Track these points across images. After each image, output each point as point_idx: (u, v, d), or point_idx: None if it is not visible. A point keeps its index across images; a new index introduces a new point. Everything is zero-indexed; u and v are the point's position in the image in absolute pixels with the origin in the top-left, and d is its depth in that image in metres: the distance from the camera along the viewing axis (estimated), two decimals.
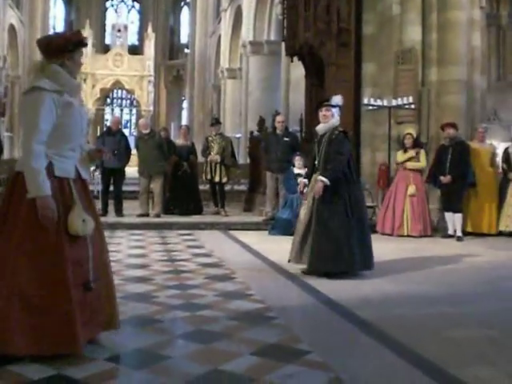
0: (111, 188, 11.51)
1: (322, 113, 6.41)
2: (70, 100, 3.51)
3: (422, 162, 9.96)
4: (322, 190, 6.11)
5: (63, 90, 3.49)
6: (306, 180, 6.66)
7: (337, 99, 6.52)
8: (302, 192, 6.65)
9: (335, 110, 6.42)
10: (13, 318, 3.25)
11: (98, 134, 20.15)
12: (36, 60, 3.59)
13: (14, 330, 3.24)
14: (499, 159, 10.60)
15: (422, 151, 10.13)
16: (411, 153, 10.00)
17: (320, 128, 6.47)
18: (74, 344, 3.32)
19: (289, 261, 6.48)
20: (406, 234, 9.80)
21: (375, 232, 10.14)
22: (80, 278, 3.43)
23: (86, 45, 3.71)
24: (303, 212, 6.40)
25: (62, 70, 3.53)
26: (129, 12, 47.71)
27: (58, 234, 3.40)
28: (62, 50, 3.53)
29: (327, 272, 6.06)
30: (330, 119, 6.37)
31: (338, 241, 6.07)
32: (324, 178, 6.13)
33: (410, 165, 9.94)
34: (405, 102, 10.80)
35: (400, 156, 10.10)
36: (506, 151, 10.38)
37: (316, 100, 12.63)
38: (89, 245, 3.50)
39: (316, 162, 6.44)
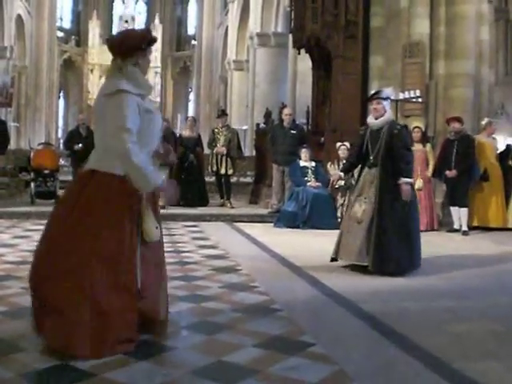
0: None
1: (373, 106, 6.26)
2: (149, 105, 3.52)
3: (432, 162, 9.94)
4: (385, 186, 6.04)
5: (144, 94, 3.49)
6: (341, 173, 6.58)
7: (388, 91, 6.44)
8: (332, 184, 6.47)
9: (386, 103, 6.28)
10: (81, 321, 3.24)
11: None
12: (111, 62, 3.55)
13: (80, 333, 3.23)
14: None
15: (429, 147, 10.11)
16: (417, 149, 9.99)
17: (376, 122, 6.25)
18: (129, 348, 3.35)
19: (332, 260, 6.31)
20: None
21: None
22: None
23: (155, 42, 3.68)
24: (360, 209, 6.17)
25: (138, 71, 3.51)
26: (136, 3, 47.54)
27: (132, 238, 3.39)
28: (136, 48, 3.48)
29: (396, 269, 5.92)
30: (381, 112, 6.20)
31: (403, 238, 6.03)
32: (408, 179, 6.03)
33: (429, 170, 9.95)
34: (412, 95, 10.78)
35: None
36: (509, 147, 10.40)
37: (323, 92, 12.66)
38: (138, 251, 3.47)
39: (371, 157, 6.22)
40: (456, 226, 9.60)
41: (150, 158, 3.55)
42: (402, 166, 6.05)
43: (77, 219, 3.36)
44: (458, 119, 9.78)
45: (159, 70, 42.27)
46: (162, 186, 3.47)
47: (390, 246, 5.96)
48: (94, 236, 3.33)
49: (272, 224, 9.97)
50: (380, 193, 6.06)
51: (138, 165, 3.32)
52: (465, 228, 9.43)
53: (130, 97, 3.38)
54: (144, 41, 3.53)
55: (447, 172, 9.56)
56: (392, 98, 6.39)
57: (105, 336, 3.28)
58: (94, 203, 3.37)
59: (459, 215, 9.55)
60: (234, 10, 30.68)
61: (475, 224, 9.93)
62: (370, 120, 6.36)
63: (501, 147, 10.98)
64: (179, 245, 7.61)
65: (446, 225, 9.95)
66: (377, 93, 6.45)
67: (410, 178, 6.09)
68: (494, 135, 10.49)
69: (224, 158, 11.91)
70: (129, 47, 3.47)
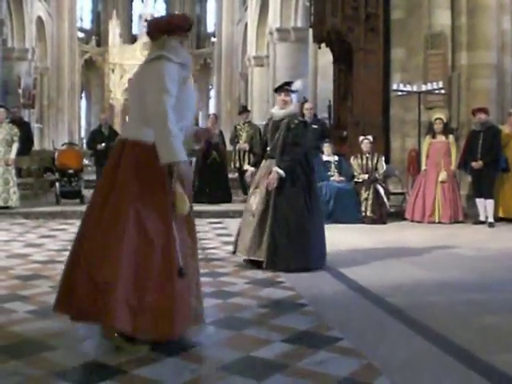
0: None
1: (282, 97, 6.07)
2: (187, 75, 3.53)
3: (454, 154, 9.90)
4: (278, 182, 5.85)
5: (184, 64, 3.51)
6: (253, 168, 6.36)
7: (298, 85, 6.18)
8: (250, 182, 6.35)
9: (294, 96, 6.11)
10: (120, 293, 3.18)
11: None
12: (151, 45, 3.62)
13: (119, 305, 3.16)
14: None
15: (451, 138, 10.04)
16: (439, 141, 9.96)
17: (278, 113, 6.13)
18: (172, 332, 3.30)
19: (234, 253, 6.18)
20: (437, 221, 9.74)
21: (404, 219, 10.11)
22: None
23: (191, 29, 3.75)
24: (254, 202, 6.03)
25: (180, 45, 3.56)
26: (155, 1, 47.69)
27: (170, 214, 3.34)
28: (181, 28, 3.57)
29: (286, 268, 5.73)
30: (289, 105, 6.06)
31: (297, 236, 5.80)
32: (280, 170, 5.84)
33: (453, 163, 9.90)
34: (434, 86, 10.70)
35: (428, 144, 10.06)
36: None
37: (345, 86, 12.63)
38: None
39: (268, 148, 6.15)
40: (482, 218, 9.52)
41: (183, 133, 3.48)
42: (284, 157, 5.91)
43: (117, 193, 3.32)
44: (484, 110, 9.69)
45: None
46: (183, 164, 3.31)
47: (283, 242, 5.77)
48: (136, 211, 3.29)
49: None
50: (276, 188, 5.88)
51: (171, 132, 3.23)
52: (491, 220, 9.35)
53: (171, 63, 3.40)
54: (187, 22, 3.63)
55: (473, 163, 9.48)
56: (300, 90, 6.22)
57: (141, 313, 3.23)
58: (130, 175, 3.32)
59: (485, 207, 9.46)
60: (253, 5, 30.59)
61: (500, 215, 9.83)
62: (275, 110, 6.24)
63: None
64: (204, 241, 7.62)
65: (471, 217, 9.88)
66: (287, 84, 6.22)
67: (283, 170, 5.83)
68: None
69: (247, 154, 11.95)
70: (176, 25, 3.56)
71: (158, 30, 3.57)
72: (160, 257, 3.30)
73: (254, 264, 5.89)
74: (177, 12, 39.35)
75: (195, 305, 3.54)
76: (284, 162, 5.89)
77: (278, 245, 5.79)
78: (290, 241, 5.80)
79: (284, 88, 6.14)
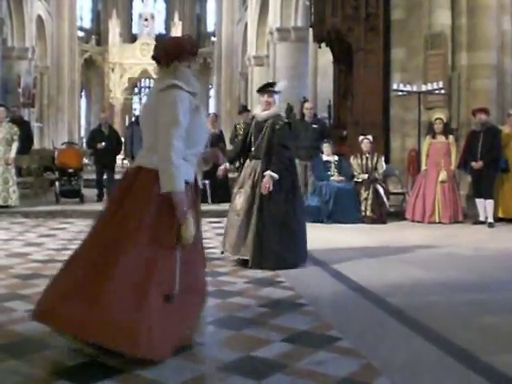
0: None
1: (265, 99, 6.12)
2: (198, 104, 3.55)
3: (454, 154, 9.90)
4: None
5: (195, 93, 3.54)
6: (227, 164, 6.40)
7: (282, 85, 6.25)
8: (223, 177, 6.47)
9: (277, 97, 6.16)
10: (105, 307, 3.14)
11: (127, 123, 20.20)
12: (160, 69, 3.61)
13: (89, 316, 3.11)
14: None
15: (451, 139, 10.04)
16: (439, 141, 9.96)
17: (262, 115, 6.16)
18: (135, 348, 3.16)
19: (222, 252, 6.24)
20: (437, 221, 9.74)
21: (405, 219, 10.11)
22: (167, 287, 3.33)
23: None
24: (239, 201, 6.07)
25: (190, 71, 3.59)
26: (155, 1, 47.70)
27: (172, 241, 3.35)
28: (191, 53, 3.59)
29: (277, 266, 5.78)
30: (272, 106, 6.11)
31: (284, 236, 5.89)
32: (274, 174, 5.88)
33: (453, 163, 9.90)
34: (435, 87, 10.70)
35: (428, 144, 10.05)
36: None
37: (345, 86, 12.62)
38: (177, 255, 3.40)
39: (253, 149, 6.16)
40: (481, 218, 9.51)
41: (196, 159, 3.54)
42: (273, 160, 5.94)
43: (122, 216, 3.33)
44: (485, 110, 9.68)
45: None
46: (179, 194, 3.29)
47: (269, 241, 5.83)
48: (136, 237, 3.28)
49: None
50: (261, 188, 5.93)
51: (173, 162, 3.27)
52: (490, 220, 9.34)
53: (183, 93, 3.42)
54: (195, 47, 3.66)
55: (473, 163, 9.47)
56: (282, 91, 6.29)
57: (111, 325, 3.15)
58: (139, 200, 3.33)
59: (485, 207, 9.46)
60: (253, 5, 30.57)
61: (500, 215, 9.83)
62: (257, 111, 6.28)
63: None
64: (203, 241, 7.59)
65: (471, 217, 9.87)
66: (270, 85, 6.29)
67: (276, 173, 5.89)
68: None
69: None
70: (185, 50, 3.57)
71: (168, 56, 3.55)
72: (151, 277, 3.26)
73: (243, 263, 5.93)
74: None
75: (186, 327, 3.48)
76: (275, 165, 5.93)
77: (265, 244, 5.85)
78: (277, 240, 5.86)
79: (267, 89, 6.18)
